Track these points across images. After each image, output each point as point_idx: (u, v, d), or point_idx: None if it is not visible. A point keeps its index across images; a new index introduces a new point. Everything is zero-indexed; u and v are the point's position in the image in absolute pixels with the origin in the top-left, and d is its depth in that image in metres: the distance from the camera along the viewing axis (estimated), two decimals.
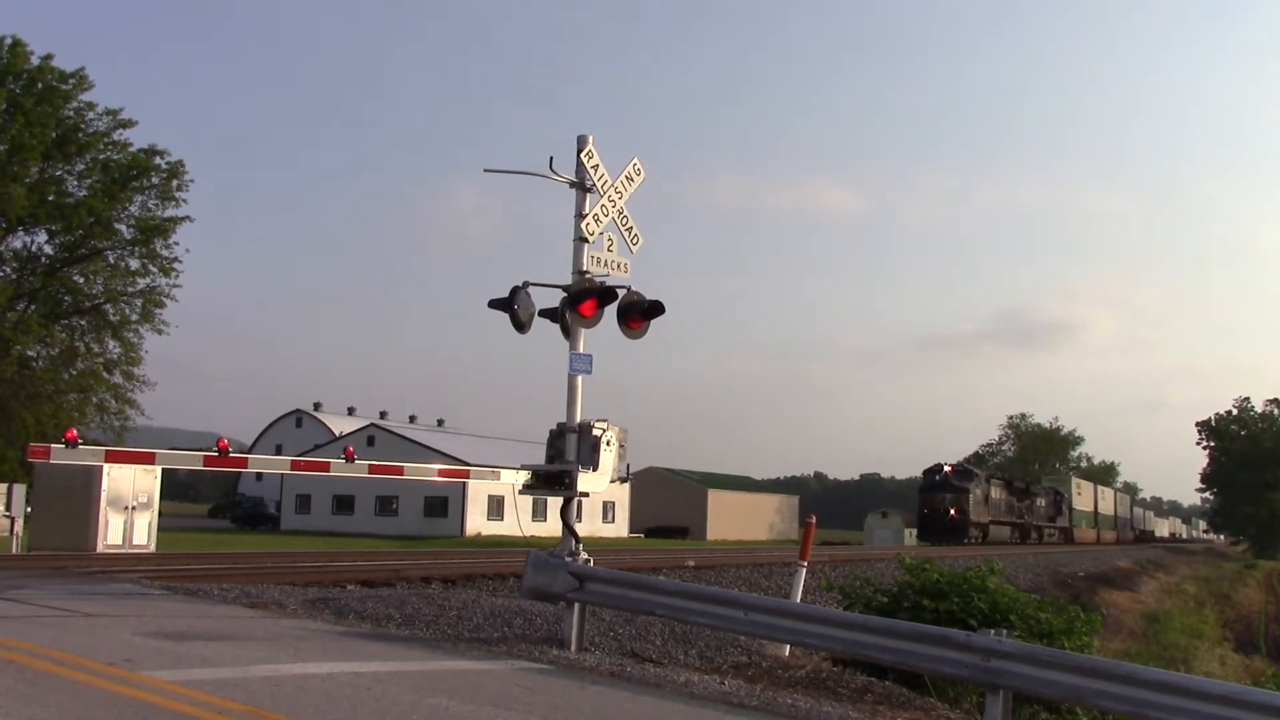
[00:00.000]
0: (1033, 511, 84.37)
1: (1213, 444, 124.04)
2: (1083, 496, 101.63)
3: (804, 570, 14.73)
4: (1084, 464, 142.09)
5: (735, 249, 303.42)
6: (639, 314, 14.36)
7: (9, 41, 39.37)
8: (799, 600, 14.24)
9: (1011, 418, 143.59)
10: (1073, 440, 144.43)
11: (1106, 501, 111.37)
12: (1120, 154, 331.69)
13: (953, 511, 68.85)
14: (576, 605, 12.22)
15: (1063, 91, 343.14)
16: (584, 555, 13.22)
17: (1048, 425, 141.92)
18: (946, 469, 72.51)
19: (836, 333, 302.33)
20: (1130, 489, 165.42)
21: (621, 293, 14.17)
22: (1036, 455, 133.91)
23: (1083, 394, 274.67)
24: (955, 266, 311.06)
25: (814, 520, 15.61)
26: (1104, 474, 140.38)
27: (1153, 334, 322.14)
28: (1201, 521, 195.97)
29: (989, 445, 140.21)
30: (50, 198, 40.09)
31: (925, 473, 74.72)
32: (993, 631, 9.61)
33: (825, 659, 13.13)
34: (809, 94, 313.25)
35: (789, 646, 13.14)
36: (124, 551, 24.17)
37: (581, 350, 13.91)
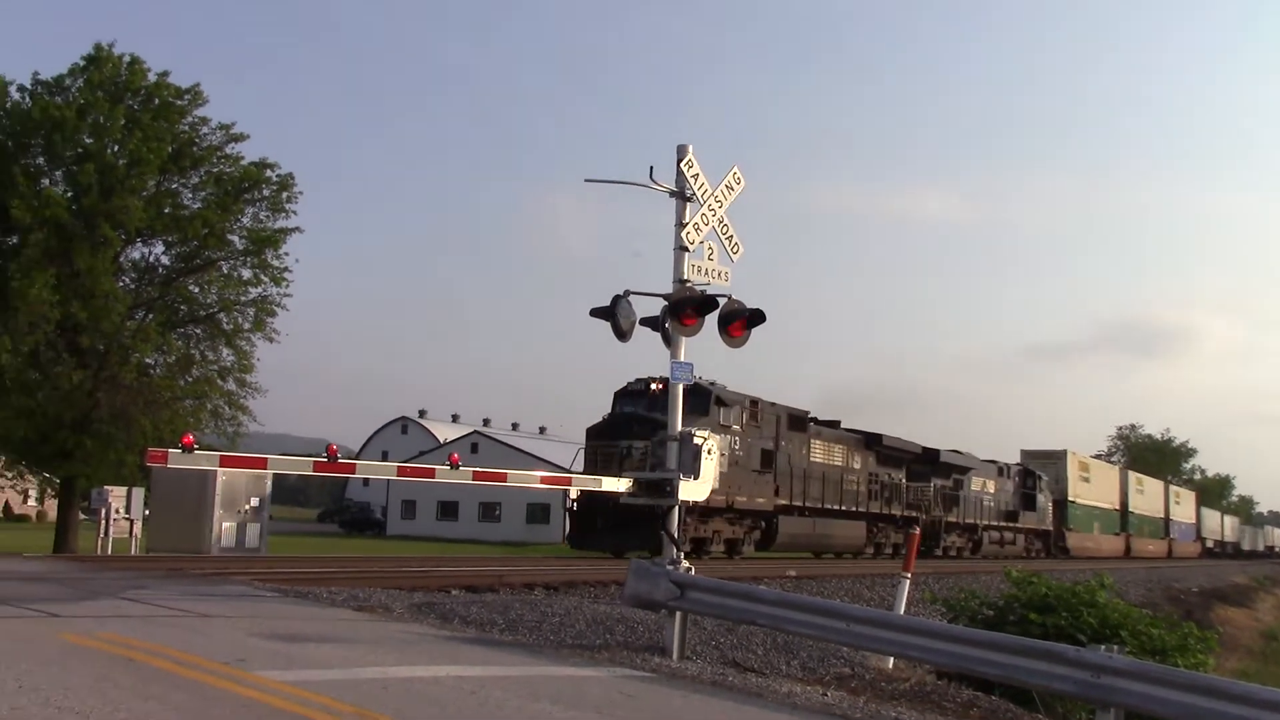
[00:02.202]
0: (955, 500, 48.00)
1: None
2: (1092, 484, 66.62)
3: (907, 582, 14.56)
4: (1197, 476, 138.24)
5: (833, 255, 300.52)
6: (740, 322, 14.37)
7: (127, 59, 40.66)
8: (903, 612, 14.08)
9: (1120, 428, 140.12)
10: (1185, 452, 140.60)
11: (1148, 497, 78.49)
12: (1243, 155, 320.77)
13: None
14: (678, 613, 12.24)
15: (1181, 92, 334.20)
16: (685, 563, 13.25)
17: (1159, 436, 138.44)
18: (654, 386, 31.76)
19: (937, 341, 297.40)
20: (1245, 503, 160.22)
21: (722, 301, 14.20)
22: (1147, 467, 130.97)
23: (1197, 405, 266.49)
24: (1064, 273, 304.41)
25: (918, 532, 15.45)
26: (1218, 487, 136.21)
27: (1275, 342, 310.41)
28: None
29: (1097, 456, 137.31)
30: (167, 210, 41.24)
31: (616, 396, 34.00)
32: (1103, 647, 9.42)
33: (930, 672, 12.97)
34: (919, 100, 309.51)
35: (892, 659, 13.00)
36: (236, 554, 24.80)
37: (682, 359, 13.95)
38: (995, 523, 52.13)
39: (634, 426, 31.63)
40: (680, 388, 13.99)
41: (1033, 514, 56.29)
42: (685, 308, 13.87)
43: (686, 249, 14.10)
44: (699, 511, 30.64)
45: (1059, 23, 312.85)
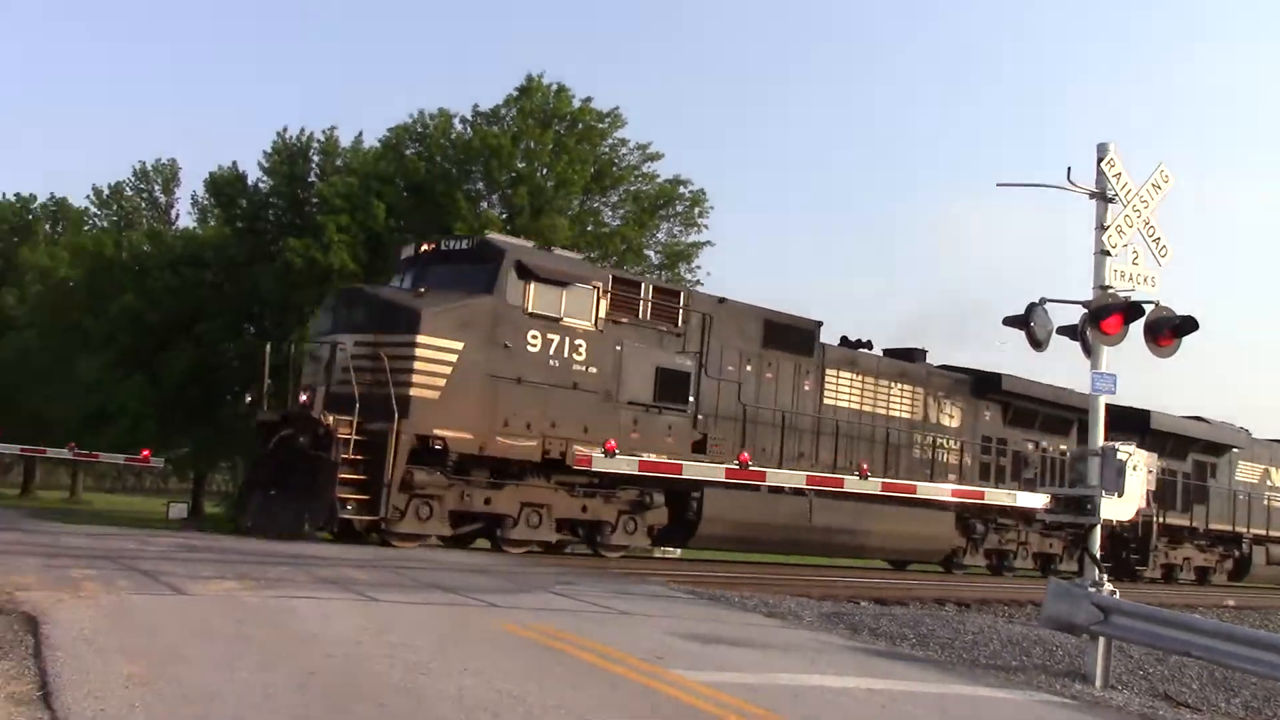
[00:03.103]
0: (1197, 493, 32.75)
1: None
2: None
3: None
4: None
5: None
6: (1169, 330, 13.45)
7: (554, 88, 43.72)
8: None
9: None
10: None
11: None
12: None
13: (323, 418, 17.85)
14: (1101, 639, 11.61)
15: None
16: (1109, 586, 12.54)
17: None
18: (425, 247, 20.75)
19: None
20: None
21: (1148, 308, 13.35)
22: None
23: None
24: None
25: None
26: None
27: None
28: None
29: None
30: (589, 227, 43.99)
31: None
32: None
33: None
34: None
35: None
36: (650, 556, 25.85)
37: (1104, 369, 13.24)
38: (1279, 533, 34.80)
39: (350, 311, 19.54)
40: (1101, 399, 13.27)
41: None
42: (1108, 315, 13.15)
43: (1108, 253, 13.35)
44: (440, 464, 19.27)
45: None
